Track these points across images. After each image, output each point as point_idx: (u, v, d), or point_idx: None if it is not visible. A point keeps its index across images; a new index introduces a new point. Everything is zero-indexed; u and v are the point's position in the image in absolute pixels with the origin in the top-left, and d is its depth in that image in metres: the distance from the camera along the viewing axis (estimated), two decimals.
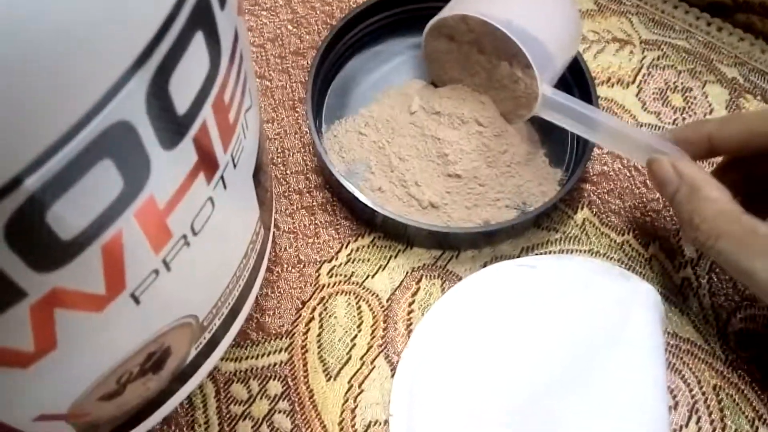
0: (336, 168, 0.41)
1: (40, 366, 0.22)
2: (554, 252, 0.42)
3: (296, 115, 0.46)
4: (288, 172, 0.44)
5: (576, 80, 0.45)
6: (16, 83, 0.15)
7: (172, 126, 0.20)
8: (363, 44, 0.48)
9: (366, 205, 0.39)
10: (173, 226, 0.23)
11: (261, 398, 0.37)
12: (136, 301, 0.24)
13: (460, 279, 0.41)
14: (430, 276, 0.41)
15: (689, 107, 0.47)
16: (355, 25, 0.47)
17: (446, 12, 0.42)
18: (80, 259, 0.19)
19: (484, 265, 0.41)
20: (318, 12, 0.50)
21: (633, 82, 0.48)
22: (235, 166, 0.27)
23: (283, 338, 0.39)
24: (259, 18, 0.49)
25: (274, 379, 0.38)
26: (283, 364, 0.38)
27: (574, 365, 0.36)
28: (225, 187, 0.26)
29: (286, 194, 0.43)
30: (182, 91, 0.20)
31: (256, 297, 0.39)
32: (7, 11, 0.14)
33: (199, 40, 0.20)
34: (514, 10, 0.40)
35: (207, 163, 0.24)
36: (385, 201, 0.41)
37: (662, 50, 0.49)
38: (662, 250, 0.42)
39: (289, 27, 0.49)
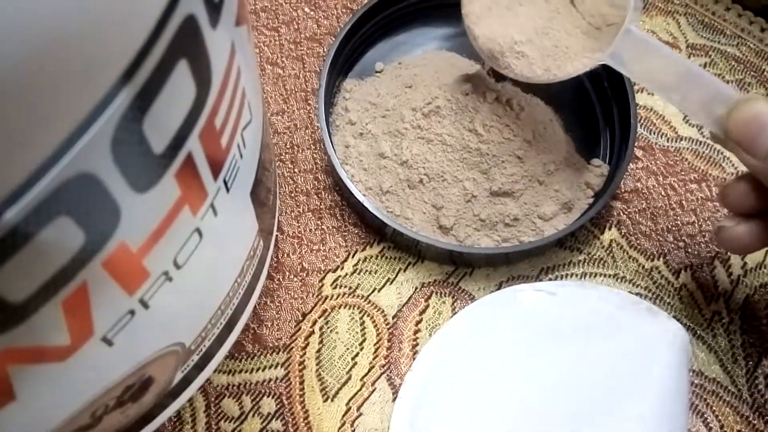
0: (347, 170, 0.39)
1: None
2: (576, 275, 0.39)
3: (308, 108, 0.43)
4: (296, 170, 0.41)
5: (613, 86, 0.41)
6: None
7: (148, 168, 0.18)
8: (384, 33, 0.44)
9: (376, 216, 0.37)
10: (151, 266, 0.21)
11: (253, 416, 0.35)
12: (109, 343, 0.21)
13: (473, 299, 0.38)
14: (441, 293, 0.38)
15: None
16: (378, 11, 0.43)
17: None
18: (34, 318, 0.17)
19: (500, 286, 0.39)
20: None
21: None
22: (228, 190, 0.24)
23: (281, 352, 0.37)
24: None
25: (268, 396, 0.36)
26: (278, 381, 0.36)
27: (589, 406, 0.33)
28: (216, 214, 0.24)
29: (293, 195, 0.40)
30: (160, 129, 0.17)
31: (255, 306, 0.37)
32: None
33: (182, 70, 0.17)
34: None
35: (193, 196, 0.21)
36: (398, 208, 0.39)
37: (710, 56, 0.45)
38: (693, 279, 0.39)
39: (306, 9, 0.46)
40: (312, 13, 0.46)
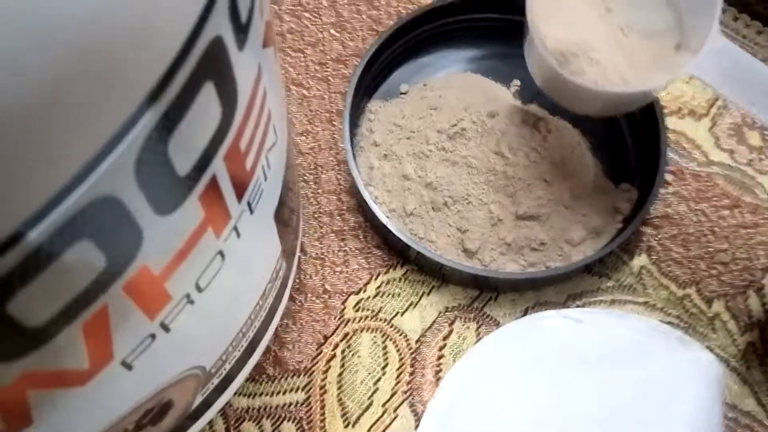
0: (370, 192, 0.38)
1: None
2: (605, 302, 0.38)
3: (333, 129, 0.43)
4: (320, 191, 0.41)
5: (642, 108, 0.40)
6: None
7: (172, 191, 0.17)
8: (409, 55, 0.44)
9: (399, 238, 0.36)
10: (173, 289, 0.20)
11: None
12: (128, 367, 0.21)
13: (498, 324, 0.38)
14: (465, 318, 0.38)
15: None
16: (403, 34, 0.43)
17: None
18: (53, 343, 0.17)
19: (525, 311, 0.38)
20: (364, 17, 0.46)
21: (706, 114, 0.43)
22: (252, 212, 0.24)
23: (301, 376, 0.36)
24: (301, 20, 0.46)
25: (288, 421, 0.35)
26: (299, 405, 0.35)
27: None
28: (239, 236, 0.23)
29: (316, 216, 0.40)
30: (185, 151, 0.17)
31: (276, 328, 0.36)
32: None
33: (208, 92, 0.17)
34: None
35: (216, 218, 0.21)
36: (422, 230, 0.38)
37: None
38: (727, 309, 0.38)
39: (332, 31, 0.46)
40: (337, 35, 0.46)
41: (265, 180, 0.24)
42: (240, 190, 0.22)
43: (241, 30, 0.18)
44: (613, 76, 0.34)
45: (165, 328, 0.21)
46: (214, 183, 0.19)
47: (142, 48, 0.14)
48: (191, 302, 0.22)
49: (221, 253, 0.22)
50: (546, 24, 0.34)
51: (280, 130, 0.26)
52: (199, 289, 0.22)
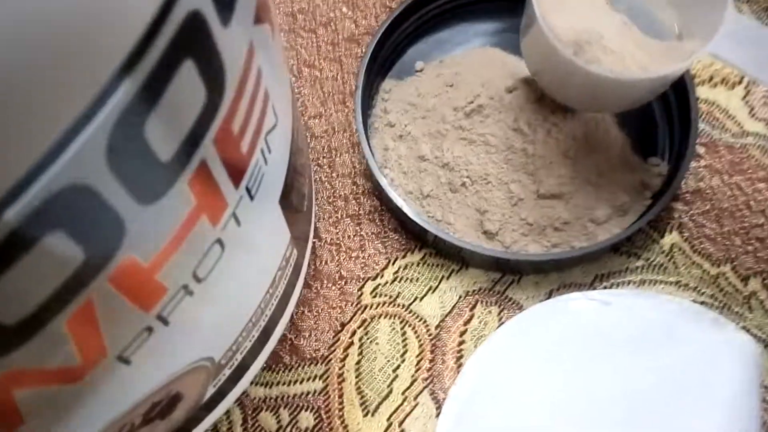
0: (386, 174, 0.37)
1: None
2: (634, 282, 0.36)
3: (346, 110, 0.41)
4: (334, 174, 0.40)
5: None
6: None
7: (153, 178, 0.16)
8: (424, 31, 0.42)
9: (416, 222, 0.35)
10: (167, 280, 0.19)
11: (291, 430, 0.34)
12: (126, 362, 0.20)
13: (521, 308, 0.36)
14: (487, 302, 0.36)
15: None
16: (417, 9, 0.41)
17: None
18: (37, 339, 0.16)
19: (550, 294, 0.36)
20: None
21: (740, 82, 0.40)
22: (252, 198, 0.23)
23: (319, 364, 0.35)
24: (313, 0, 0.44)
25: (306, 410, 0.34)
26: (316, 394, 0.35)
27: (646, 424, 0.31)
28: (239, 224, 0.22)
29: (331, 200, 0.39)
30: (165, 135, 0.16)
31: (292, 315, 0.36)
32: None
33: (188, 70, 0.16)
34: None
35: (211, 205, 0.20)
36: (439, 212, 0.37)
37: None
38: (764, 287, 0.36)
39: (344, 9, 0.44)
40: (350, 13, 0.44)
41: (266, 164, 0.23)
42: (236, 175, 0.21)
43: (225, 4, 0.17)
44: (630, 63, 0.32)
45: (163, 320, 0.21)
46: (204, 168, 0.18)
47: (107, 20, 0.13)
48: (190, 293, 0.21)
49: (220, 242, 0.22)
50: (554, 16, 0.32)
51: (282, 111, 0.25)
52: (197, 280, 0.21)
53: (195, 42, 0.16)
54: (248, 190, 0.22)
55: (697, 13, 0.31)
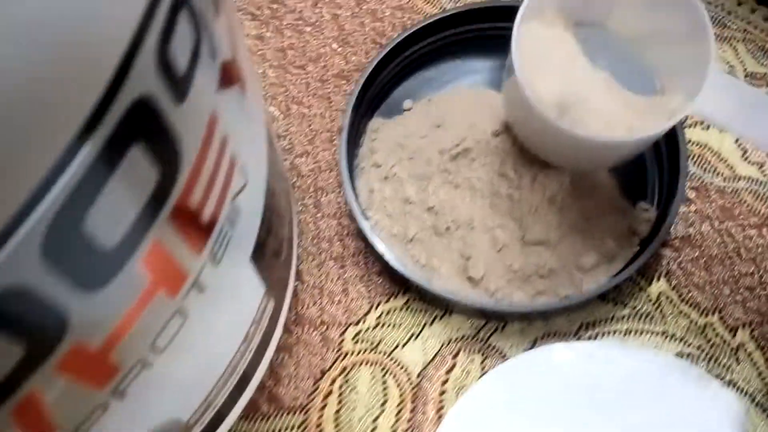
0: (370, 216, 0.37)
1: None
2: (620, 331, 0.36)
3: (333, 148, 0.41)
4: (319, 215, 0.39)
5: None
6: None
7: (98, 266, 0.16)
8: (413, 69, 0.42)
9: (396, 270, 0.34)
10: (120, 359, 0.19)
11: None
12: None
13: (504, 357, 0.35)
14: (470, 350, 0.36)
15: None
16: (407, 46, 0.41)
17: None
18: None
19: (534, 342, 0.36)
20: (367, 29, 0.44)
21: None
22: (218, 262, 0.22)
23: (297, 414, 0.35)
24: (302, 35, 0.44)
25: None
26: None
27: None
28: (202, 290, 0.22)
29: (315, 241, 0.39)
30: (111, 222, 0.15)
31: (271, 362, 0.35)
32: None
33: (137, 154, 0.15)
34: None
35: (168, 278, 0.19)
36: (423, 256, 0.36)
37: None
38: (753, 338, 0.35)
39: (334, 45, 0.44)
40: (340, 49, 0.44)
41: (233, 227, 0.23)
42: (197, 244, 0.20)
43: (176, 84, 0.17)
44: (616, 123, 0.31)
45: (119, 395, 0.20)
46: (158, 246, 0.18)
47: (41, 116, 0.13)
48: (148, 365, 0.21)
49: (180, 312, 0.21)
50: (535, 74, 0.31)
51: (254, 167, 0.25)
52: (156, 352, 0.21)
53: (144, 126, 0.16)
54: (214, 256, 0.22)
55: (680, 69, 0.30)
